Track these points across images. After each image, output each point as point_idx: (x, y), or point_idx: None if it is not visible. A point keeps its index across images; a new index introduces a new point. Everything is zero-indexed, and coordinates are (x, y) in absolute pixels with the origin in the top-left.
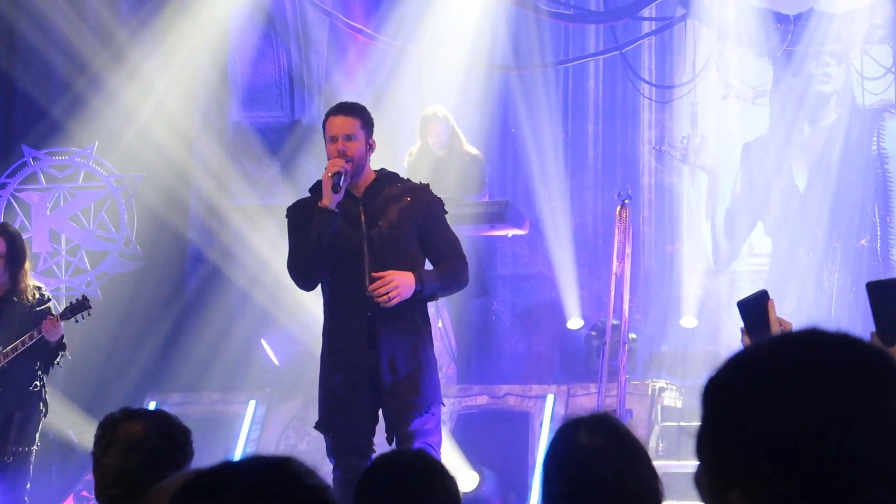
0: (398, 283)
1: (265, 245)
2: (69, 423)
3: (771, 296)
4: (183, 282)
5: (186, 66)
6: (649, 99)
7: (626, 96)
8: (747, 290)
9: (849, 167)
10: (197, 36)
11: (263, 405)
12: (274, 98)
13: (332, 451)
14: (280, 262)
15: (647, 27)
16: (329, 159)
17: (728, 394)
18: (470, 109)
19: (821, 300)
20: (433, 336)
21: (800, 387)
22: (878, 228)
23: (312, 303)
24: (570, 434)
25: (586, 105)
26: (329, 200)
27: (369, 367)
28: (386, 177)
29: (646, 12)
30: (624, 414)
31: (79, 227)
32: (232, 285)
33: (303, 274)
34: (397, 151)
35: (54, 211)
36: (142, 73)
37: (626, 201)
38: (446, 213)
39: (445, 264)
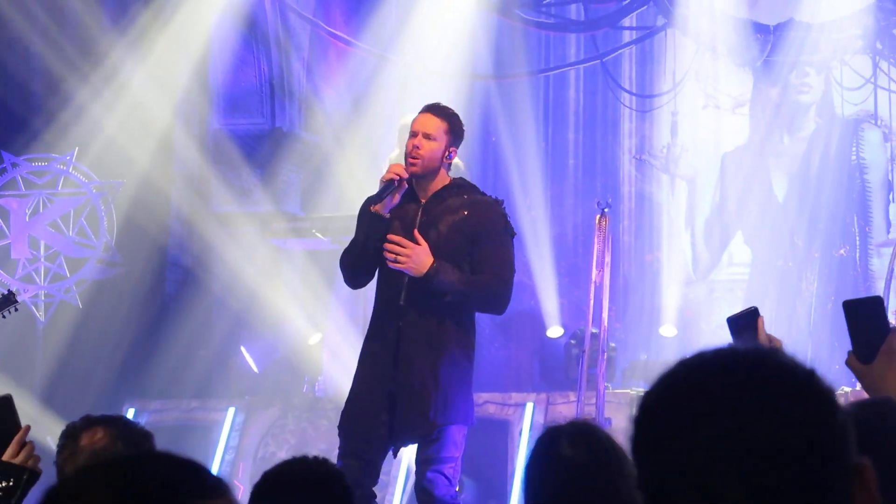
0: (411, 254)
1: (245, 253)
2: (47, 431)
3: (761, 313)
4: (162, 289)
5: (167, 73)
6: (629, 108)
7: (606, 105)
8: (726, 300)
9: (828, 177)
10: (178, 43)
11: (242, 412)
12: (254, 105)
13: (339, 455)
14: (256, 270)
15: (627, 36)
16: (405, 155)
17: (646, 417)
18: None
19: (800, 309)
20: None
21: (711, 411)
22: (858, 238)
23: (291, 311)
24: (552, 445)
25: (567, 114)
26: (382, 206)
27: (388, 377)
28: (456, 186)
29: (626, 21)
30: (603, 422)
31: (58, 234)
32: (211, 292)
33: (346, 270)
34: (378, 159)
35: (33, 217)
36: (122, 81)
37: (606, 210)
38: (513, 234)
39: (477, 275)
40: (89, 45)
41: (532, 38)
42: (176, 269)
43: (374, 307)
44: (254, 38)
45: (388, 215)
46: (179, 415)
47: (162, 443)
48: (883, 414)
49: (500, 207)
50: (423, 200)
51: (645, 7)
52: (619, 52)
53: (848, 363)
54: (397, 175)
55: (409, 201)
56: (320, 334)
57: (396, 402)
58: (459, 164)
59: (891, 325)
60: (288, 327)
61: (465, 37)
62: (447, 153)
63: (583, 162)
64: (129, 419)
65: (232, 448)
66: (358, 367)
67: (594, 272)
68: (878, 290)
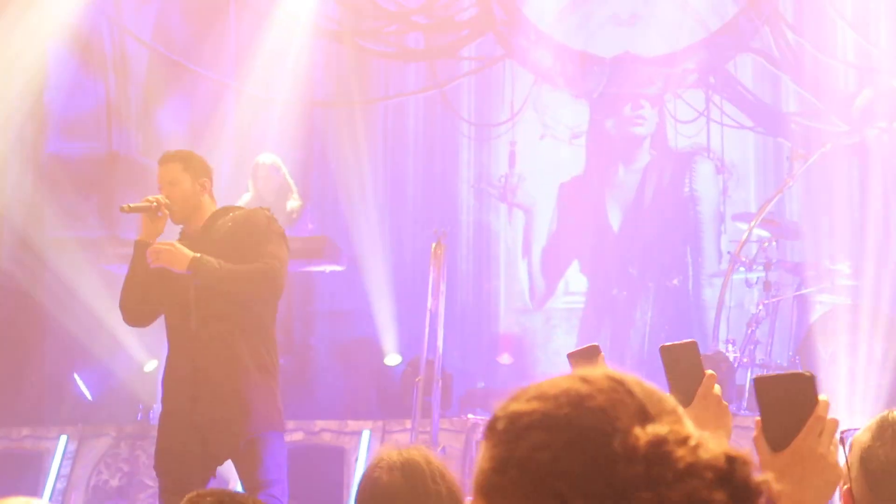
0: (169, 250)
1: (79, 278)
2: None
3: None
4: None
5: (1, 96)
6: (468, 137)
7: (445, 134)
8: (563, 328)
9: (662, 208)
10: (12, 65)
11: (75, 440)
12: (91, 129)
13: (160, 492)
14: (92, 295)
15: (466, 66)
16: None
17: (504, 432)
18: (290, 145)
19: (634, 339)
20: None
21: (535, 425)
22: (690, 269)
23: (126, 337)
24: (372, 471)
25: (406, 142)
26: (145, 235)
27: (190, 404)
28: (222, 210)
29: (465, 52)
30: (435, 449)
31: None
32: (44, 318)
33: (127, 308)
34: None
35: None
36: None
37: (441, 238)
38: (280, 231)
39: (239, 264)
40: None
41: (372, 67)
42: (8, 294)
43: (168, 340)
44: (91, 61)
45: (153, 242)
46: (9, 443)
47: None
48: None
49: (263, 211)
50: (196, 236)
51: (484, 37)
52: (458, 81)
53: None
54: (155, 201)
55: (184, 241)
56: (156, 361)
57: (202, 423)
58: (290, 185)
59: (705, 371)
60: (123, 354)
61: (304, 64)
62: (197, 186)
63: (422, 190)
64: None
65: (63, 477)
66: (162, 402)
67: (430, 300)
68: (710, 319)
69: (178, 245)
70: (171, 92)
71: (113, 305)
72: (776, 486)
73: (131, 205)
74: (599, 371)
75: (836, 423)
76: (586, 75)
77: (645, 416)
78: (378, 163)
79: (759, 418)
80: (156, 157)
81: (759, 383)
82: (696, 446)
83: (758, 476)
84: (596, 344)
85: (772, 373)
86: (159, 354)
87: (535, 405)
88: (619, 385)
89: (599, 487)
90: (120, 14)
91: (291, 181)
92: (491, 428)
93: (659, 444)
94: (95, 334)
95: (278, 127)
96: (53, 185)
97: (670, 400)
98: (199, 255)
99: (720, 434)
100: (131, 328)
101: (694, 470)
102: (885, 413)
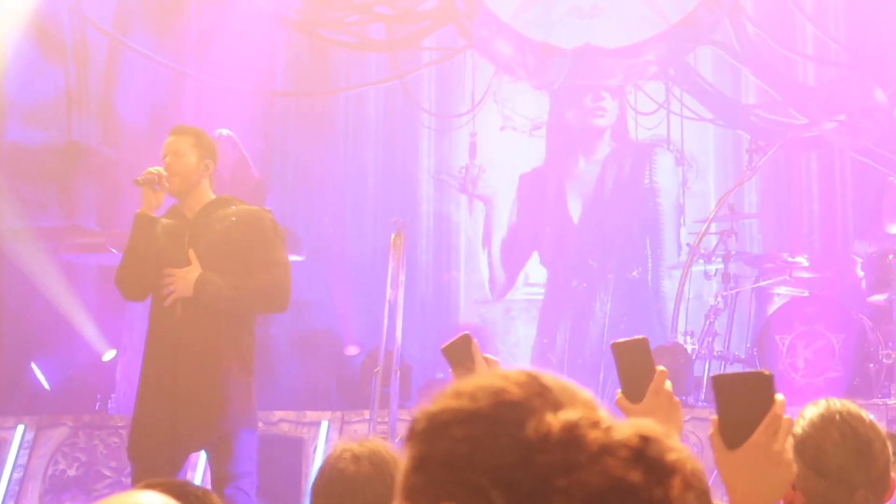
0: (176, 279)
1: (38, 268)
2: None
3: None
4: None
5: None
6: (429, 128)
7: (406, 125)
8: (522, 319)
9: (622, 200)
10: None
11: (32, 430)
12: (50, 118)
13: (132, 480)
14: (50, 286)
15: (427, 57)
16: None
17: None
18: (251, 135)
19: (594, 330)
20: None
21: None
22: (650, 261)
23: (85, 327)
24: (336, 462)
25: (366, 133)
26: (145, 207)
27: (168, 392)
28: (223, 200)
29: (427, 42)
30: (394, 441)
31: None
32: (2, 308)
33: (126, 283)
34: None
35: None
36: None
37: (401, 229)
38: (283, 237)
39: (246, 277)
40: None
41: (333, 57)
42: None
43: (150, 321)
44: (50, 49)
45: (152, 214)
46: None
47: None
48: None
49: (267, 213)
50: (191, 216)
51: (445, 28)
52: (419, 71)
53: (617, 403)
54: (157, 174)
55: (177, 219)
56: (114, 350)
57: (178, 412)
58: (247, 158)
59: (656, 367)
60: (81, 343)
61: (265, 53)
62: (202, 165)
63: (382, 181)
64: None
65: (20, 467)
66: (139, 386)
67: (389, 291)
68: (669, 311)
69: (181, 273)
70: (132, 81)
71: (70, 295)
72: (729, 482)
73: (140, 178)
74: (517, 369)
75: (791, 421)
76: (547, 66)
77: (559, 407)
78: (338, 153)
79: (714, 417)
80: (115, 146)
81: (716, 381)
82: (609, 428)
83: (673, 454)
84: (466, 332)
85: (729, 371)
86: (118, 344)
87: (452, 403)
88: (533, 380)
89: (517, 477)
90: (79, 2)
91: (247, 154)
92: (411, 430)
93: (571, 428)
94: (54, 324)
95: (238, 116)
96: (12, 174)
97: (586, 393)
98: (200, 280)
99: (670, 429)
100: (88, 319)
101: (607, 449)
102: (821, 405)
